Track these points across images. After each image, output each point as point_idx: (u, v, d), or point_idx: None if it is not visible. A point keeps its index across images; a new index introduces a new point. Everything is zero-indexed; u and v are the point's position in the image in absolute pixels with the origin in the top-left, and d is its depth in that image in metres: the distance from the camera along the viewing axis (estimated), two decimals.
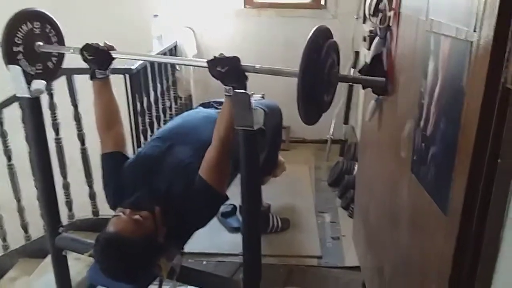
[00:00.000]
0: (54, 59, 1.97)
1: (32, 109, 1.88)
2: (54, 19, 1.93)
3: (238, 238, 2.63)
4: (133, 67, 2.63)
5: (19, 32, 1.79)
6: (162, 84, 3.23)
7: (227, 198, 1.73)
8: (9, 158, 2.74)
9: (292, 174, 3.18)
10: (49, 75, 1.98)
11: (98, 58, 1.77)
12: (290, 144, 4.01)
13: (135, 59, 2.57)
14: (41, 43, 1.87)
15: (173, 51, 3.47)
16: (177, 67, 3.54)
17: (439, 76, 1.20)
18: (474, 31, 0.98)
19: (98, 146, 2.61)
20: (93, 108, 1.88)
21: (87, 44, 1.77)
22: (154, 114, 3.05)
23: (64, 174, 2.73)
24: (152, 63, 3.01)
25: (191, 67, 3.70)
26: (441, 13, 1.21)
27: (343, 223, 2.85)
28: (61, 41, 1.97)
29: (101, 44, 1.78)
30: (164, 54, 3.27)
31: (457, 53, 1.09)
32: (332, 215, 2.95)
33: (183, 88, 3.62)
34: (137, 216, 1.52)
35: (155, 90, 3.07)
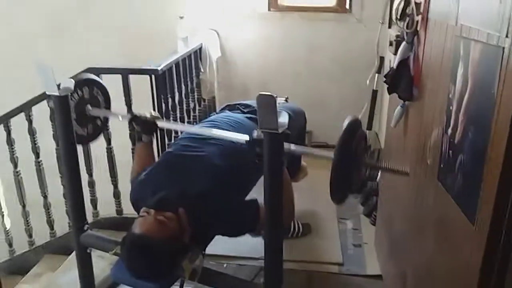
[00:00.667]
0: (102, 117, 2.11)
1: (61, 107, 1.91)
2: (99, 80, 2.06)
3: (258, 241, 2.62)
4: (159, 68, 2.66)
5: (71, 102, 1.89)
6: (187, 86, 3.26)
7: (254, 232, 1.77)
8: (37, 155, 2.80)
9: (314, 179, 3.15)
10: (99, 132, 2.14)
11: (145, 128, 1.92)
12: (312, 148, 3.99)
13: (177, 129, 2.71)
14: (90, 107, 1.99)
15: (198, 53, 3.50)
16: (202, 69, 3.57)
17: (468, 83, 1.18)
18: (507, 36, 0.96)
19: (123, 146, 2.67)
20: (134, 160, 2.02)
21: (135, 115, 1.91)
22: (178, 115, 3.07)
23: (90, 172, 2.78)
24: (177, 64, 3.04)
25: (215, 69, 3.73)
26: (471, 18, 1.19)
27: (365, 230, 2.81)
28: (107, 100, 2.09)
29: (148, 115, 1.90)
30: (189, 56, 3.30)
31: (488, 59, 1.06)
32: (354, 222, 2.92)
33: (207, 90, 3.65)
34: (161, 217, 1.54)
35: (179, 92, 3.10)
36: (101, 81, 2.06)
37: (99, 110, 2.04)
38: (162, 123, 1.94)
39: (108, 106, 2.12)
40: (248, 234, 1.78)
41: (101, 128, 2.16)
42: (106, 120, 2.15)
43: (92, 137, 2.12)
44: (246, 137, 1.57)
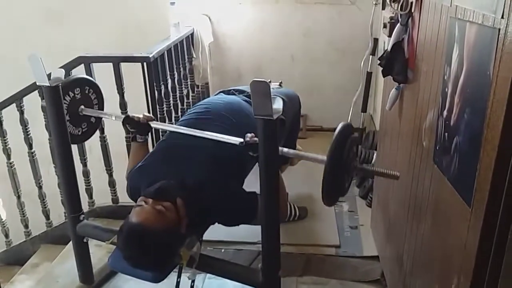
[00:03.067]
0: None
1: (52, 97, 1.90)
2: (91, 79, 2.05)
3: (255, 226, 2.65)
4: (150, 55, 2.63)
5: (63, 104, 1.90)
6: (180, 72, 3.23)
7: (251, 223, 1.76)
8: (30, 146, 2.78)
9: (310, 163, 3.15)
10: (93, 128, 2.15)
11: (139, 129, 1.92)
12: (307, 132, 3.99)
13: (171, 130, 2.63)
14: (83, 107, 2.00)
15: (189, 38, 3.46)
16: (194, 55, 3.53)
17: (464, 65, 1.17)
18: (502, 17, 0.95)
19: (117, 134, 2.65)
20: (129, 159, 2.04)
21: (128, 116, 1.91)
22: (171, 102, 3.05)
23: (84, 162, 2.76)
24: (169, 51, 3.00)
25: (208, 55, 3.69)
26: None
27: (361, 212, 2.83)
28: (99, 98, 2.09)
29: (141, 116, 1.89)
30: (181, 41, 3.26)
31: (483, 41, 1.06)
32: (350, 204, 2.93)
33: (200, 76, 3.62)
34: (159, 207, 1.53)
35: (172, 78, 3.07)
36: (92, 79, 2.06)
37: (92, 111, 2.04)
38: (155, 124, 1.94)
39: (101, 104, 2.12)
40: (244, 223, 1.78)
41: (95, 125, 2.16)
42: (99, 118, 2.15)
43: (86, 136, 2.13)
44: (239, 140, 1.58)
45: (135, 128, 1.92)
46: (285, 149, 1.56)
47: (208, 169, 1.71)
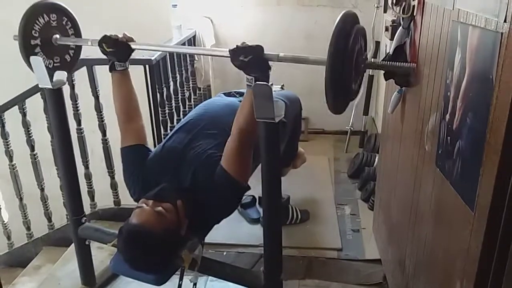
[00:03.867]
0: (71, 51, 1.98)
1: (54, 99, 1.90)
2: (70, 11, 1.92)
3: (257, 229, 2.66)
4: (152, 58, 2.64)
5: (36, 25, 1.79)
6: (182, 75, 3.23)
7: (248, 188, 1.71)
8: (32, 147, 2.78)
9: (312, 165, 3.16)
10: (67, 68, 1.98)
11: (117, 50, 1.74)
12: (309, 135, 3.99)
13: (154, 50, 2.54)
14: (58, 36, 1.86)
15: (191, 40, 3.47)
16: (196, 57, 3.54)
17: (466, 68, 1.17)
18: (505, 21, 0.95)
19: (119, 137, 2.65)
20: (113, 100, 1.88)
21: (105, 36, 1.74)
22: (173, 104, 3.06)
23: (86, 164, 2.77)
24: (171, 54, 3.01)
25: (210, 57, 3.69)
26: (468, 3, 1.18)
27: (363, 216, 2.83)
28: (78, 33, 1.96)
29: (120, 36, 1.76)
30: (183, 44, 3.27)
31: (486, 45, 1.05)
32: (352, 207, 2.93)
33: (202, 78, 3.62)
34: (159, 208, 1.52)
35: (174, 81, 3.08)
36: (72, 13, 1.92)
37: (67, 38, 1.89)
38: (136, 45, 1.77)
39: (78, 36, 1.97)
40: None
41: (68, 65, 1.98)
42: (75, 59, 1.98)
43: (55, 70, 1.92)
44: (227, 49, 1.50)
45: (113, 48, 1.73)
46: (282, 54, 1.46)
47: (200, 166, 1.68)
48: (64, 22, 1.90)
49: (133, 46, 1.76)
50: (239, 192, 1.70)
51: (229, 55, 1.49)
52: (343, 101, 1.40)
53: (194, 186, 1.66)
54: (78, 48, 1.99)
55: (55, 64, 1.90)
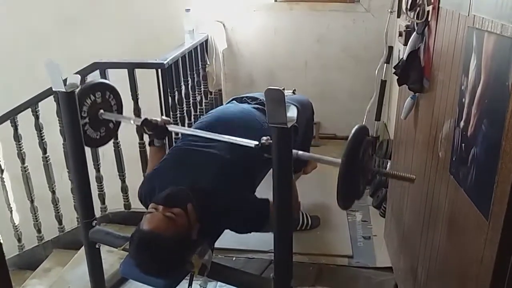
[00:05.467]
0: (114, 120, 2.11)
1: (67, 103, 1.91)
2: (111, 84, 2.05)
3: (267, 235, 2.61)
4: (165, 62, 2.65)
5: (84, 106, 1.91)
6: (193, 79, 3.24)
7: (261, 230, 1.77)
8: (44, 150, 2.81)
9: (323, 171, 3.13)
10: (112, 133, 2.15)
11: (157, 132, 1.93)
12: (320, 140, 3.97)
13: (188, 133, 2.65)
14: (103, 111, 1.99)
15: (204, 45, 3.48)
16: (208, 61, 3.54)
17: (482, 75, 1.15)
18: None
19: (130, 140, 2.67)
20: (148, 164, 2.06)
21: (146, 119, 1.90)
22: (185, 108, 3.06)
23: (97, 167, 2.78)
24: (183, 58, 3.02)
25: (221, 61, 3.70)
26: (484, 9, 1.16)
27: (374, 222, 2.80)
28: (119, 103, 2.09)
29: (159, 120, 1.90)
30: (196, 48, 3.28)
31: (502, 51, 1.04)
32: (364, 214, 2.90)
33: (214, 82, 3.63)
34: (170, 213, 1.53)
35: (186, 85, 3.09)
36: (113, 85, 2.07)
37: (111, 114, 2.05)
38: (173, 128, 1.95)
39: (120, 110, 2.13)
40: (256, 231, 1.77)
41: (114, 130, 2.16)
42: (118, 123, 2.16)
43: (104, 140, 2.13)
44: (255, 142, 1.57)
45: (153, 131, 1.92)
46: (300, 152, 1.56)
47: (219, 175, 1.70)
48: (107, 96, 2.03)
49: (170, 129, 1.93)
50: (258, 229, 1.77)
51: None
52: (352, 201, 1.53)
53: (211, 192, 1.66)
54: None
55: (101, 134, 2.06)
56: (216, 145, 1.78)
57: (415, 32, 1.77)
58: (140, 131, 2.60)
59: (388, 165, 3.10)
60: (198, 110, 3.35)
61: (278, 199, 1.55)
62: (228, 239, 2.23)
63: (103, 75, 2.55)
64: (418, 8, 1.75)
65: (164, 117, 1.93)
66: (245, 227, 1.76)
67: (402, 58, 1.86)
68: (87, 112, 1.94)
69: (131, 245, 1.54)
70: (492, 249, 1.05)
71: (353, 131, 1.43)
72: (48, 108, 2.70)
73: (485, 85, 1.13)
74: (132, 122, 2.00)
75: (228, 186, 1.70)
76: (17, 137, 2.80)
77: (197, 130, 1.86)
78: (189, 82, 3.14)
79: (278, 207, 1.56)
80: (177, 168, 1.76)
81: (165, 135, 1.96)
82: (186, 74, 3.09)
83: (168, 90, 2.77)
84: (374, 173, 1.60)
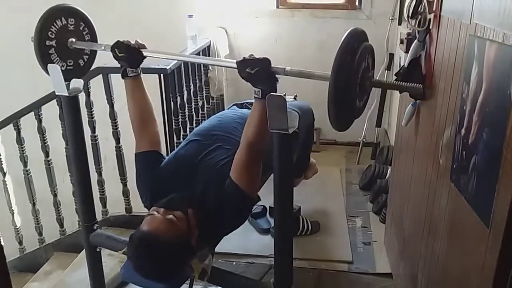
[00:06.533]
0: (85, 56, 1.98)
1: (70, 107, 1.92)
2: (88, 17, 1.94)
3: (267, 239, 2.65)
4: (167, 67, 2.66)
5: (53, 27, 1.80)
6: (195, 84, 3.25)
7: (258, 199, 1.71)
8: (47, 154, 2.82)
9: (323, 176, 3.15)
10: (80, 72, 1.98)
11: (129, 56, 1.75)
12: (321, 146, 3.98)
13: (166, 59, 2.55)
14: (73, 40, 1.87)
15: (206, 51, 3.49)
16: (210, 67, 3.56)
17: (483, 83, 1.16)
18: None
19: (133, 144, 2.67)
20: (127, 106, 1.88)
21: (118, 41, 1.75)
22: (187, 113, 3.07)
23: (99, 171, 2.79)
24: (186, 63, 3.03)
25: (223, 67, 3.72)
26: (486, 17, 1.17)
27: (374, 228, 2.80)
28: (94, 40, 1.97)
29: (133, 42, 1.77)
30: (198, 54, 3.29)
31: (504, 60, 1.05)
32: (364, 220, 2.90)
33: (215, 88, 3.64)
34: (171, 216, 1.53)
35: (188, 90, 3.10)
36: (89, 17, 1.93)
37: (81, 42, 1.90)
38: (148, 53, 1.78)
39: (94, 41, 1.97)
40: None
41: (82, 68, 1.98)
42: (89, 60, 1.99)
43: (69, 75, 1.90)
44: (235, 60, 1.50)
45: (125, 53, 1.74)
46: (288, 68, 1.45)
47: (212, 177, 1.69)
48: (81, 28, 1.91)
49: (144, 53, 1.77)
50: (248, 204, 1.70)
51: (236, 67, 1.49)
52: (346, 119, 1.39)
53: (204, 197, 1.66)
54: (93, 54, 2.00)
55: (68, 67, 1.91)
56: (216, 151, 1.79)
57: (416, 40, 1.78)
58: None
59: (388, 172, 3.11)
60: (200, 115, 3.36)
61: (279, 204, 1.55)
62: (228, 243, 2.24)
63: (106, 79, 2.56)
64: (419, 16, 1.76)
65: (138, 40, 1.78)
66: (240, 219, 1.74)
67: (403, 65, 1.86)
68: (54, 34, 1.80)
69: (130, 246, 1.54)
70: (493, 257, 1.06)
71: (346, 33, 1.27)
72: (52, 112, 2.71)
73: (486, 93, 1.14)
74: (102, 48, 1.83)
75: (217, 192, 1.66)
76: (19, 140, 2.81)
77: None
78: (191, 87, 3.16)
79: (278, 212, 1.57)
80: (178, 174, 1.75)
81: (139, 61, 1.78)
82: (188, 79, 3.10)
83: (171, 95, 2.78)
84: (373, 83, 1.42)
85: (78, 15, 1.90)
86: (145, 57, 1.79)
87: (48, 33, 1.79)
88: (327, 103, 1.27)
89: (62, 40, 1.84)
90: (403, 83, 1.57)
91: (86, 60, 1.98)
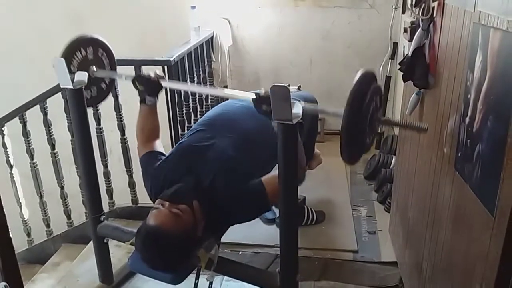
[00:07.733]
0: (107, 80, 2.07)
1: (75, 99, 1.93)
2: (105, 42, 2.00)
3: (273, 229, 2.66)
4: (171, 59, 2.67)
5: (74, 60, 1.88)
6: (199, 75, 3.26)
7: (269, 209, 1.79)
8: (53, 146, 2.83)
9: (328, 167, 3.15)
10: (103, 95, 2.10)
11: (149, 88, 1.86)
12: (325, 136, 3.97)
13: (181, 89, 2.71)
14: (94, 69, 1.94)
15: (209, 42, 3.49)
16: (213, 58, 3.56)
17: (487, 71, 1.16)
18: None
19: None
20: (136, 124, 1.96)
21: (138, 74, 1.86)
22: (191, 105, 3.08)
23: (105, 163, 2.80)
24: (189, 55, 3.03)
25: (227, 58, 3.72)
26: (490, 5, 1.17)
27: (379, 217, 2.81)
28: (112, 62, 2.04)
29: (152, 75, 1.85)
30: (201, 45, 3.29)
31: (508, 47, 1.05)
32: (368, 209, 2.91)
33: (219, 79, 3.65)
34: (176, 210, 1.54)
35: (192, 81, 3.10)
36: (106, 42, 1.99)
37: (103, 71, 1.97)
38: (166, 83, 1.89)
39: (113, 69, 2.06)
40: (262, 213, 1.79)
41: (106, 92, 2.09)
42: (111, 82, 2.08)
43: (97, 100, 2.06)
44: (252, 95, 1.52)
45: (145, 86, 1.85)
46: (303, 104, 1.48)
47: (221, 172, 1.70)
48: (100, 54, 1.98)
49: (163, 84, 1.88)
50: (262, 209, 1.78)
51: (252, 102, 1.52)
52: (358, 155, 1.47)
53: (213, 188, 1.67)
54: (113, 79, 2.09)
55: (92, 95, 2.01)
56: (220, 141, 1.79)
57: (420, 29, 1.78)
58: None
59: (392, 161, 3.11)
60: (204, 107, 3.36)
61: (284, 194, 1.56)
62: (234, 233, 2.24)
63: None
64: (423, 4, 1.75)
65: (158, 71, 1.88)
66: (249, 216, 1.78)
67: (407, 54, 1.86)
68: (77, 68, 1.88)
69: (137, 240, 1.57)
70: (498, 245, 1.06)
71: (357, 76, 1.32)
72: (57, 105, 2.72)
73: (491, 81, 1.14)
74: (124, 78, 1.93)
75: (228, 183, 1.69)
76: (25, 134, 2.83)
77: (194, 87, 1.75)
78: (195, 78, 3.16)
79: (283, 202, 1.58)
80: (182, 165, 1.76)
81: (157, 91, 1.89)
82: (192, 71, 3.10)
83: None
84: (381, 122, 1.49)
85: (96, 42, 1.97)
86: (162, 87, 1.89)
87: (70, 67, 1.86)
88: (340, 141, 1.34)
89: (84, 70, 1.91)
90: (409, 123, 1.60)
91: (108, 83, 2.07)
